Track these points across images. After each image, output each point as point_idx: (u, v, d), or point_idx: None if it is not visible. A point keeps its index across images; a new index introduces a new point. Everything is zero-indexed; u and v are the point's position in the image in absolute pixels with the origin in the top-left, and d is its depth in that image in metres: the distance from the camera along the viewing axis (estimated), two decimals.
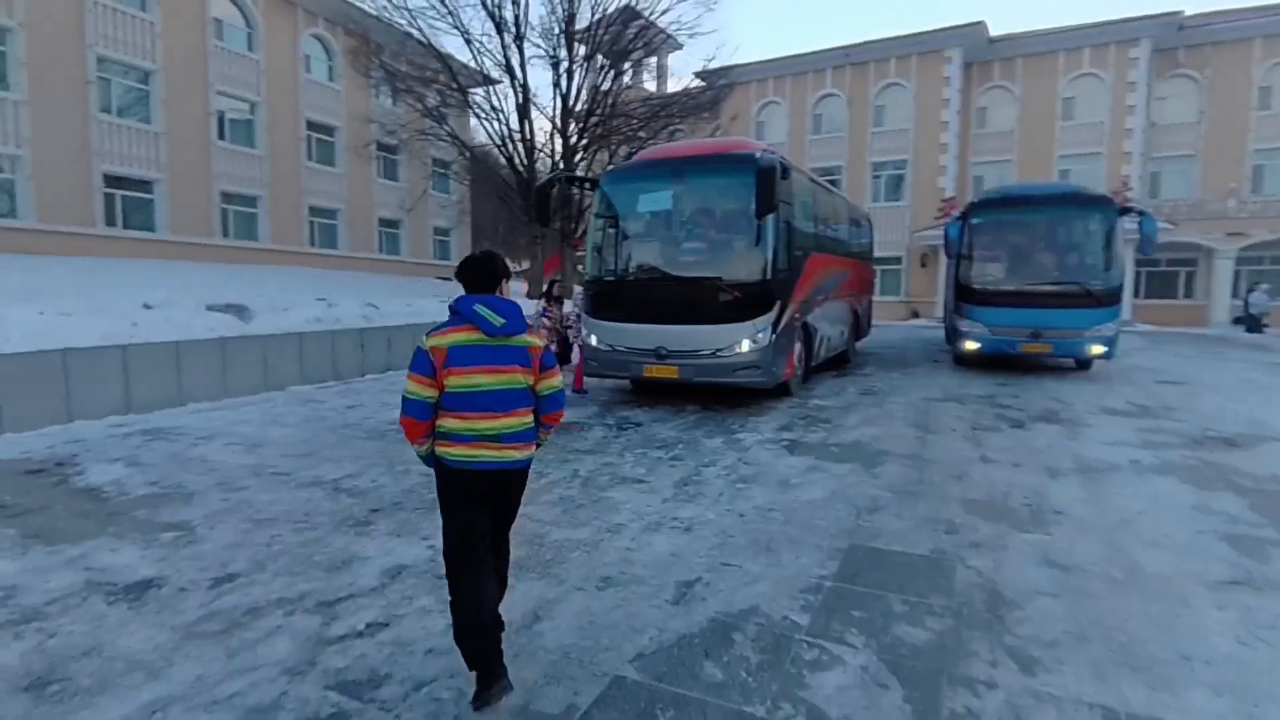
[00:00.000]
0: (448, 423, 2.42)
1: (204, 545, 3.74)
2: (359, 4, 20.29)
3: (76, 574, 3.37)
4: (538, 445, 2.60)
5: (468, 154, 18.41)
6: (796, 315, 8.25)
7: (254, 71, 22.95)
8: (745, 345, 7.28)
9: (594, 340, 8.05)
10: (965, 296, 10.75)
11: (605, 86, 19.70)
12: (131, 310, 8.12)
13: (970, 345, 10.72)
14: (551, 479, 5.02)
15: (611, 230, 8.16)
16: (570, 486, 4.85)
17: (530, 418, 2.52)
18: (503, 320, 2.40)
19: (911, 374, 10.88)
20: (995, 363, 11.35)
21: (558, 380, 2.58)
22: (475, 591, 2.45)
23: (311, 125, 25.07)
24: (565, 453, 5.81)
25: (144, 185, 20.28)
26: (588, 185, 8.71)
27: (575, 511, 4.32)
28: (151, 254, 19.64)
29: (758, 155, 7.30)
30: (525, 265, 43.41)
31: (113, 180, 19.40)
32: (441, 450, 2.45)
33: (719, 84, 23.27)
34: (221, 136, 22.15)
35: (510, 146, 18.68)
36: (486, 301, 2.43)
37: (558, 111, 19.65)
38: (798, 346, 8.46)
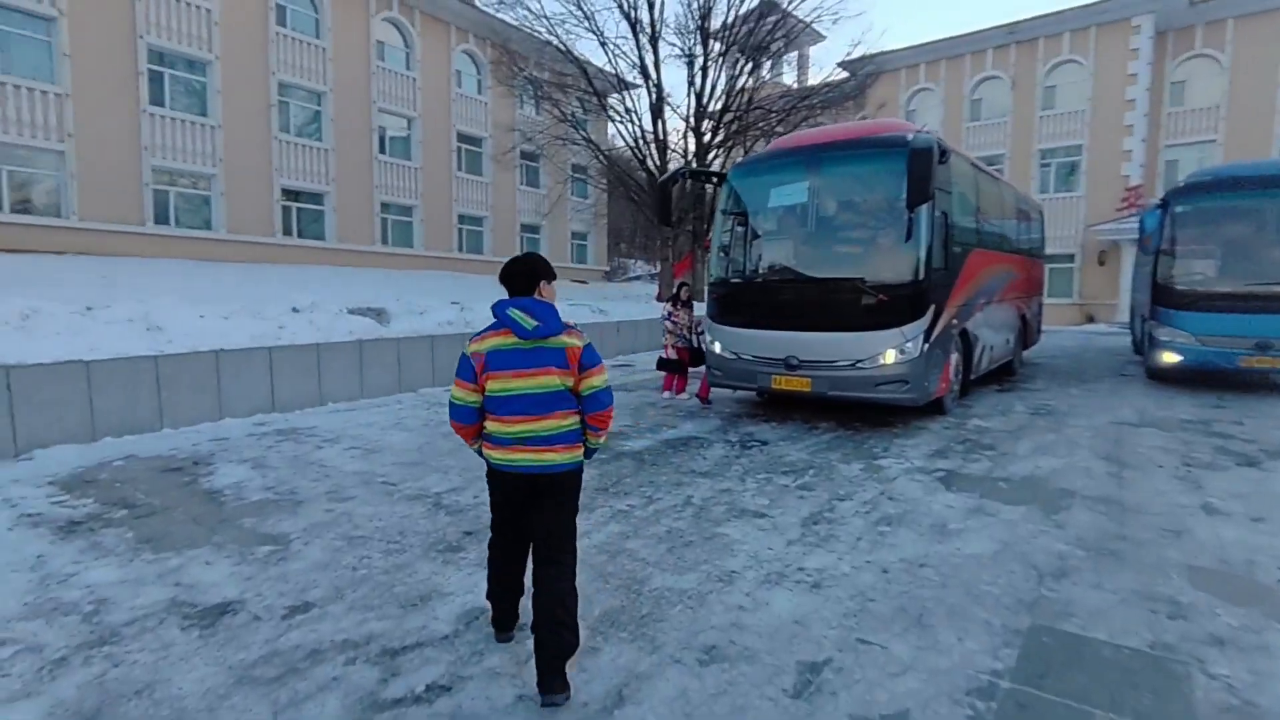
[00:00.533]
0: (490, 425, 2.51)
1: (293, 564, 3.57)
2: (501, 17, 20.97)
3: (166, 589, 3.28)
4: (589, 448, 2.58)
5: (603, 157, 18.37)
6: (954, 321, 7.15)
7: (411, 89, 24.49)
8: (891, 356, 6.35)
9: (718, 347, 7.44)
10: (1166, 299, 8.97)
11: (742, 81, 18.97)
12: (282, 314, 8.58)
13: (1170, 357, 8.93)
14: (660, 506, 4.48)
15: (739, 228, 7.51)
16: (680, 517, 4.28)
17: (573, 420, 2.49)
18: (535, 323, 2.39)
19: (1094, 390, 9.25)
20: (1203, 379, 9.41)
21: (599, 380, 2.49)
22: (498, 584, 2.75)
23: (461, 137, 26.41)
24: (680, 473, 5.25)
25: (316, 198, 22.21)
26: (714, 180, 8.11)
27: (683, 551, 3.75)
28: (321, 260, 21.45)
29: (910, 136, 6.35)
30: (658, 269, 43.50)
31: (289, 194, 21.40)
32: (486, 452, 2.56)
33: (864, 72, 21.75)
34: (382, 151, 23.81)
35: (643, 148, 18.45)
36: (520, 304, 2.44)
37: (691, 110, 19.18)
38: (954, 357, 7.36)
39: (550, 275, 2.61)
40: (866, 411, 7.48)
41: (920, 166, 5.80)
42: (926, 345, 6.41)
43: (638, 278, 42.51)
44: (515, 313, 2.41)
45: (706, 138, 18.58)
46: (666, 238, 18.47)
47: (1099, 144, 25.35)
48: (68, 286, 10.13)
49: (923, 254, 6.27)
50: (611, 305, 14.41)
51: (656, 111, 18.64)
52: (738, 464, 5.54)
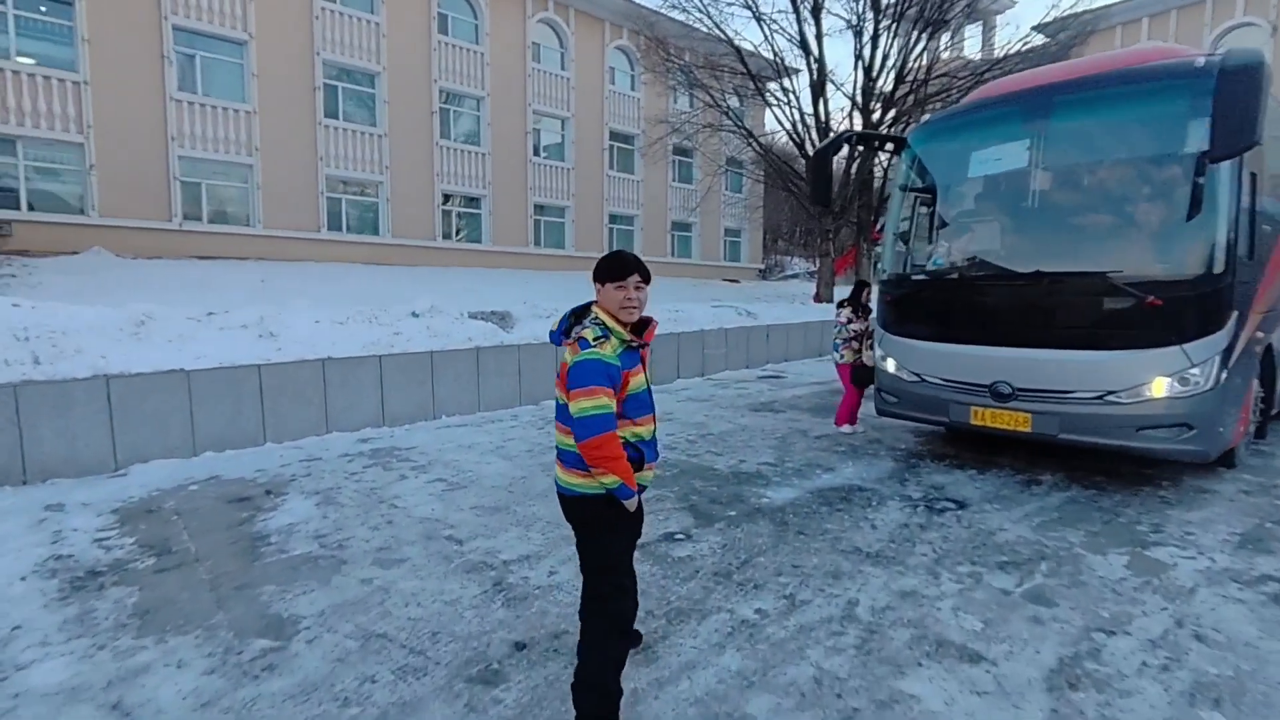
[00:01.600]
0: None
1: (273, 682, 2.57)
2: (651, 4, 20.05)
3: (105, 710, 2.38)
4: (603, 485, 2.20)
5: (758, 145, 16.77)
6: (1258, 335, 4.90)
7: (565, 89, 24.35)
8: (1164, 387, 4.33)
9: (891, 365, 5.72)
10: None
11: (917, 52, 16.45)
12: (400, 318, 8.05)
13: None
14: (807, 618, 3.00)
15: (925, 207, 5.73)
16: (837, 646, 2.78)
17: (570, 439, 2.19)
18: (553, 329, 2.37)
19: None
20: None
21: (577, 405, 2.09)
22: None
23: (613, 135, 25.95)
24: (838, 552, 3.72)
25: (474, 201, 22.65)
26: (888, 147, 6.32)
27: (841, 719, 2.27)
28: (478, 263, 21.80)
29: (1199, 61, 4.29)
30: (815, 266, 40.77)
31: (449, 198, 21.96)
32: None
33: (1066, 35, 18.05)
34: (536, 153, 23.87)
35: (802, 132, 16.60)
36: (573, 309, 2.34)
37: (858, 86, 17.00)
38: (1254, 386, 5.07)
39: (601, 276, 2.25)
40: (1108, 455, 5.40)
41: (1242, 96, 3.76)
42: (1223, 372, 4.30)
43: (795, 276, 40.12)
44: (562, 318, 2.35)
45: (875, 115, 16.32)
46: (827, 230, 16.49)
47: None
48: (222, 290, 10.46)
49: (1223, 234, 4.18)
50: (762, 307, 12.84)
51: (818, 90, 16.70)
52: (924, 541, 3.88)
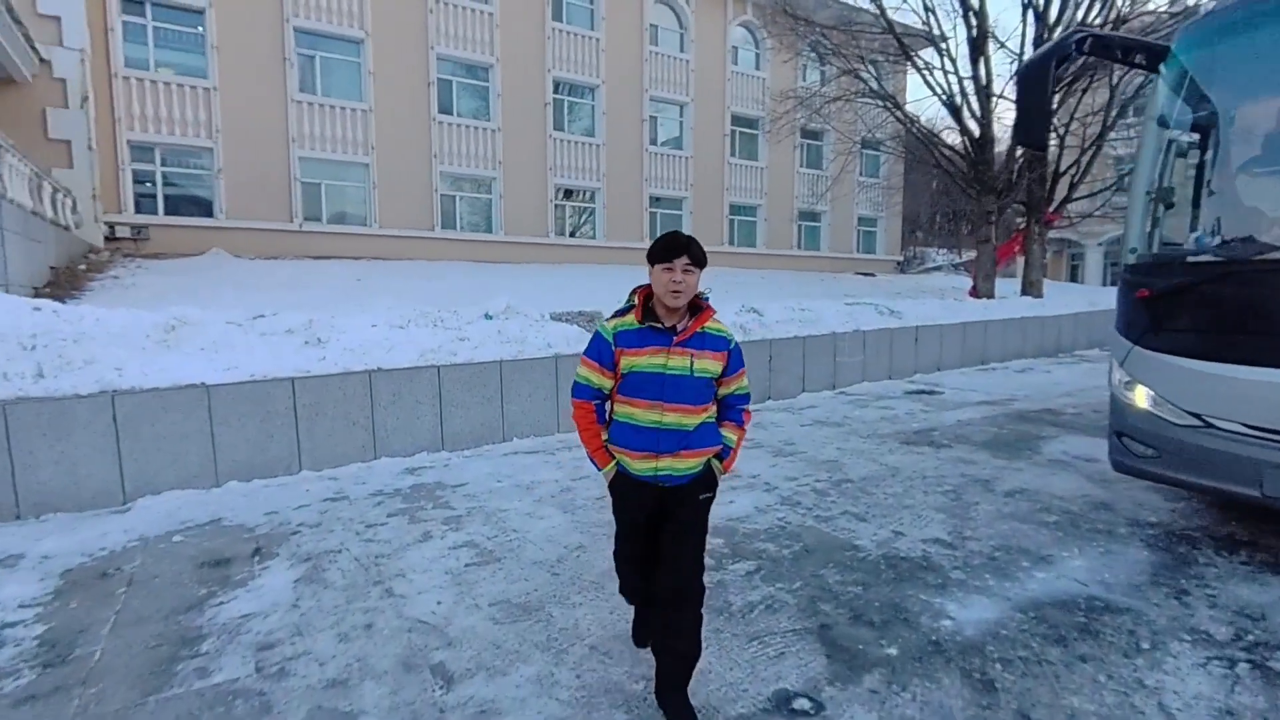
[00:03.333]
0: None
1: None
2: None
3: None
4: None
5: (903, 115, 14.39)
6: None
7: (684, 72, 22.86)
8: None
9: (1144, 399, 3.70)
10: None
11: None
12: (469, 321, 6.89)
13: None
14: None
15: (1205, 150, 3.66)
16: None
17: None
18: None
19: None
20: None
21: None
22: None
23: (735, 120, 24.14)
24: None
25: (587, 195, 21.70)
26: (1136, 59, 4.14)
27: None
28: (591, 259, 20.83)
29: None
30: (970, 256, 36.63)
31: (563, 193, 21.14)
32: None
33: None
34: (653, 142, 22.56)
35: (960, 99, 14.01)
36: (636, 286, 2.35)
37: (1028, 40, 14.15)
38: None
39: (650, 257, 2.19)
40: None
41: None
42: None
43: (937, 268, 36.27)
44: None
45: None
46: (988, 212, 13.82)
47: None
48: (310, 289, 9.91)
49: None
50: (907, 305, 10.67)
51: (977, 48, 14.04)
52: None
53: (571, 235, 21.42)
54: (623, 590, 2.66)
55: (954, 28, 14.92)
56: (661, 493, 2.25)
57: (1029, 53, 14.14)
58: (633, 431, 2.20)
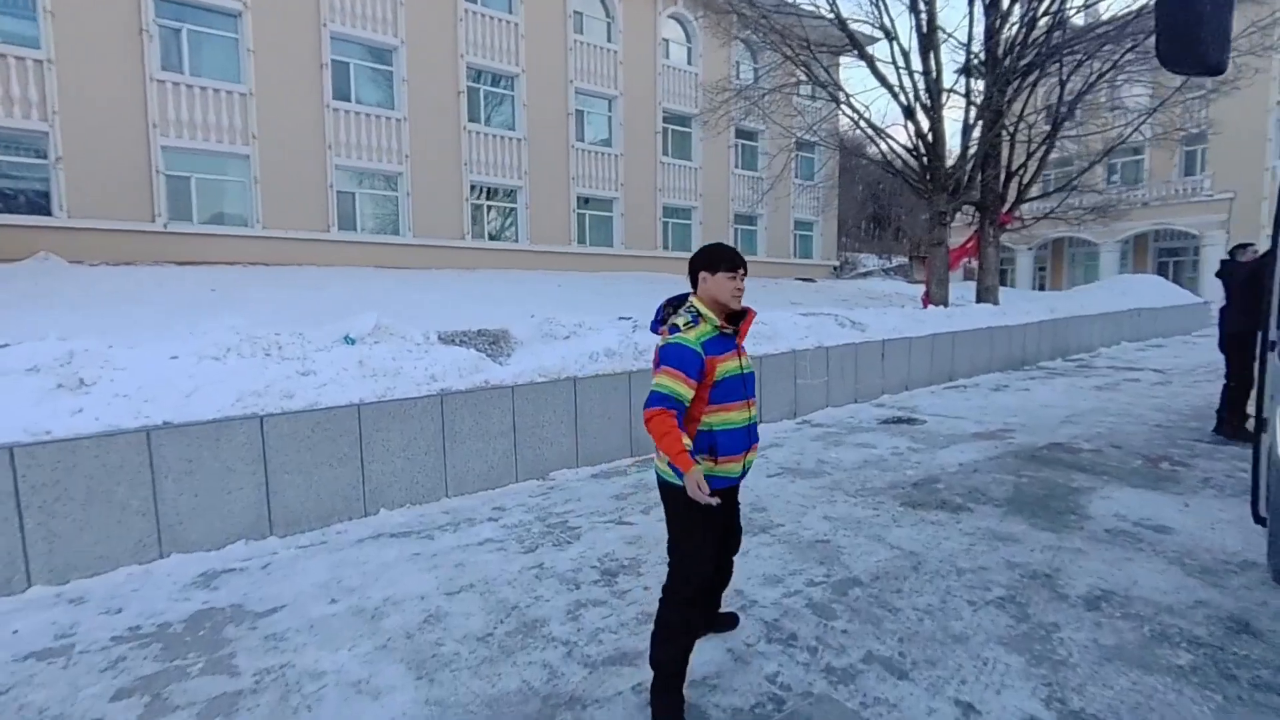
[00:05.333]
0: None
1: None
2: None
3: None
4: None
5: (850, 106, 13.21)
6: None
7: (612, 64, 21.33)
8: None
9: None
10: None
11: None
12: (322, 348, 5.05)
13: None
14: None
15: None
16: None
17: None
18: (651, 320, 2.50)
19: None
20: None
21: (655, 380, 2.22)
22: None
23: (668, 117, 22.77)
24: None
25: (507, 194, 19.84)
26: None
27: None
28: (513, 264, 19.06)
29: None
30: (900, 261, 36.50)
31: (480, 191, 19.22)
32: None
33: None
34: (580, 137, 20.92)
35: (912, 94, 12.96)
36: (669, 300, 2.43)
37: (977, 35, 13.28)
38: None
39: (706, 265, 2.33)
40: None
41: None
42: None
43: (869, 273, 36.09)
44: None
45: (1005, 64, 12.55)
46: (940, 212, 12.80)
47: None
48: (145, 305, 7.75)
49: None
50: (868, 315, 9.38)
51: (927, 41, 13.02)
52: None
53: (492, 239, 19.50)
54: (687, 616, 2.41)
55: (900, 17, 14.11)
56: (733, 489, 2.51)
57: (978, 46, 13.28)
58: (734, 436, 2.30)
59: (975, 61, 13.26)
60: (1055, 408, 7.71)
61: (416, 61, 17.36)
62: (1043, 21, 12.72)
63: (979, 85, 13.45)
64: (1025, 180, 13.65)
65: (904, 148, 13.30)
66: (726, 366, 2.26)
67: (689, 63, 23.15)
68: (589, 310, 9.53)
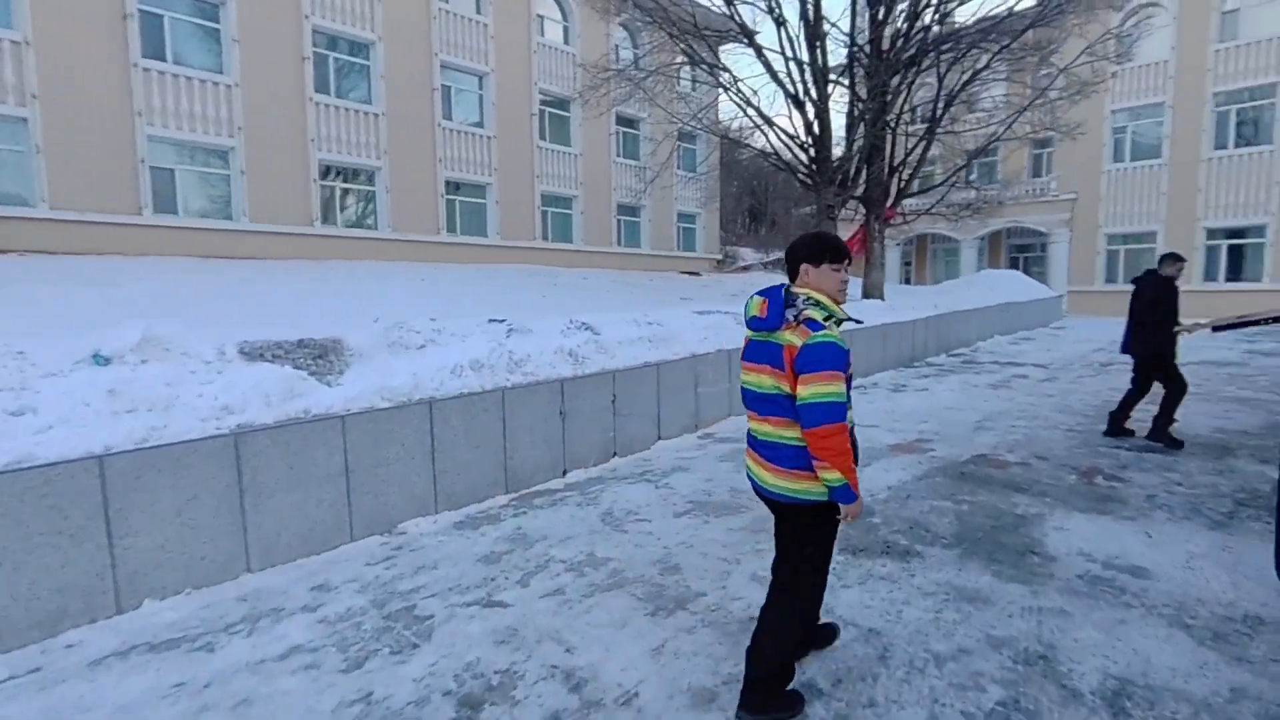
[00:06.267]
0: None
1: None
2: None
3: None
4: (826, 485, 2.10)
5: (737, 90, 12.55)
6: None
7: (482, 37, 19.65)
8: None
9: None
10: None
11: None
12: (58, 372, 3.51)
13: None
14: None
15: None
16: None
17: (794, 434, 2.11)
18: (756, 314, 2.17)
19: None
20: None
21: (809, 390, 2.00)
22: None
23: (545, 100, 21.40)
24: None
25: (364, 176, 17.75)
26: None
27: None
28: (370, 255, 17.05)
29: None
30: (777, 256, 37.22)
31: (331, 173, 17.01)
32: None
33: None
34: (448, 116, 19.12)
35: (796, 85, 12.51)
36: (765, 292, 2.18)
37: (861, 26, 13.09)
38: None
39: (814, 257, 2.14)
40: None
41: None
42: None
43: (748, 267, 36.56)
44: (752, 300, 2.21)
45: (892, 52, 12.39)
46: (828, 206, 12.50)
47: None
48: None
49: None
50: None
51: (813, 31, 12.62)
52: None
53: (349, 225, 17.35)
54: (804, 616, 2.43)
55: (789, 2, 13.73)
56: None
57: (864, 38, 13.07)
58: (853, 443, 2.16)
59: (859, 53, 13.04)
60: (961, 411, 7.35)
61: (250, 19, 14.95)
62: (926, 15, 12.69)
63: (865, 78, 13.28)
64: (906, 176, 13.67)
65: (791, 138, 12.88)
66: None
67: (566, 42, 21.89)
68: (457, 310, 8.21)
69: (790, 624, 2.32)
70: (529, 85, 20.76)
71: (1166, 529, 3.93)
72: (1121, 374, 9.76)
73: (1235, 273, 19.94)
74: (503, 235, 20.09)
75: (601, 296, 12.89)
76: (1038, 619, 2.99)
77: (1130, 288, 5.87)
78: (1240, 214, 19.57)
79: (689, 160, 24.47)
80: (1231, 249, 19.98)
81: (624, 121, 23.21)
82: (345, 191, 17.32)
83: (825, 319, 2.07)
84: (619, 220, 23.61)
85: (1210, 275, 20.23)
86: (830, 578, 3.44)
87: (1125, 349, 5.95)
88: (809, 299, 2.12)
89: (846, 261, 2.16)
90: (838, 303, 2.15)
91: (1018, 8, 12.68)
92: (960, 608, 3.10)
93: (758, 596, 3.24)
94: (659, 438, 6.27)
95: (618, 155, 23.38)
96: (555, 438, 5.33)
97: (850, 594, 3.26)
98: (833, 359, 2.00)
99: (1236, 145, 19.88)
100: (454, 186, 19.29)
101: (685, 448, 6.13)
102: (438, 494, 4.55)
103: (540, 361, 5.48)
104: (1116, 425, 6.01)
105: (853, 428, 2.14)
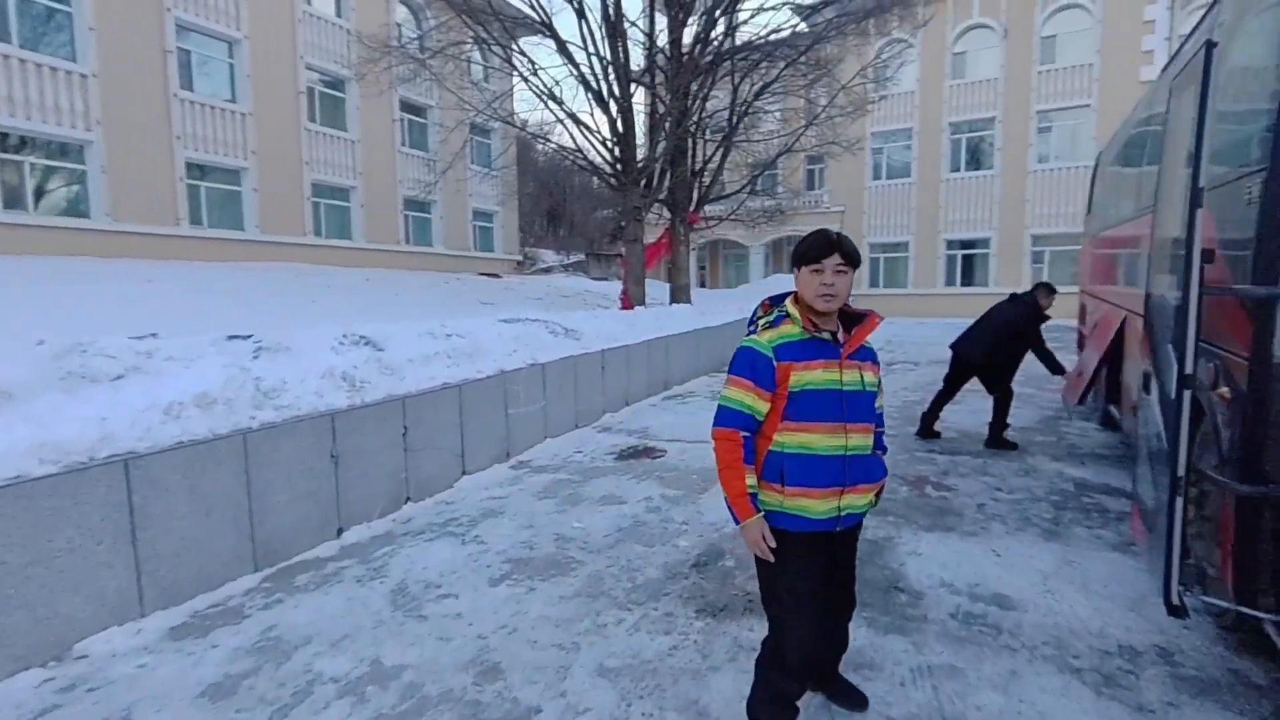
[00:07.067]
0: None
1: None
2: None
3: None
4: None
5: (537, 79, 11.71)
6: None
7: None
8: None
9: None
10: None
11: None
12: None
13: None
14: None
15: None
16: None
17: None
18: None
19: None
20: None
21: (722, 392, 1.98)
22: None
23: (314, 77, 18.81)
24: None
25: (71, 152, 14.16)
26: None
27: None
28: (85, 249, 13.61)
29: None
30: (578, 258, 37.06)
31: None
32: None
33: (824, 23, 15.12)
34: (187, 85, 15.97)
35: (600, 82, 12.01)
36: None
37: (660, 26, 12.99)
38: None
39: (794, 259, 1.96)
40: None
41: None
42: None
43: (549, 268, 35.94)
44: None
45: (694, 53, 12.37)
46: (635, 208, 12.17)
47: (1112, 103, 21.32)
48: None
49: None
50: (580, 320, 8.00)
51: (614, 27, 12.21)
52: None
53: (53, 213, 13.67)
54: (782, 662, 2.02)
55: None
56: (832, 540, 1.98)
57: (664, 39, 12.94)
58: (813, 465, 1.88)
59: (660, 54, 12.90)
60: None
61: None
62: (720, 23, 12.85)
63: (667, 80, 13.15)
64: (707, 181, 13.83)
65: (596, 137, 12.36)
66: (809, 377, 1.87)
67: (338, 14, 19.47)
68: (190, 322, 6.44)
69: (764, 680, 2.06)
70: (293, 58, 18.09)
71: (1010, 545, 3.83)
72: (905, 374, 10.56)
73: (969, 279, 23.32)
74: (263, 229, 17.24)
75: (388, 302, 11.33)
76: (932, 684, 2.56)
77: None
78: (971, 229, 22.93)
79: (484, 155, 23.14)
80: (965, 258, 23.36)
81: (410, 108, 21.30)
82: (44, 171, 13.63)
83: (767, 324, 1.96)
84: (407, 216, 21.59)
85: (950, 281, 23.48)
86: (694, 656, 2.80)
87: (961, 347, 5.95)
88: (783, 310, 1.97)
89: (832, 261, 1.87)
90: (816, 310, 1.90)
91: (799, 28, 13.40)
92: (848, 678, 2.58)
93: (609, 703, 2.47)
94: (464, 473, 5.25)
95: (403, 144, 21.37)
96: (325, 489, 4.11)
97: (722, 681, 2.60)
98: (739, 364, 1.92)
99: (967, 169, 23.28)
100: (198, 170, 16.14)
101: (496, 482, 5.18)
102: (143, 589, 3.17)
103: (302, 390, 4.22)
104: (927, 426, 6.16)
105: (843, 454, 1.90)
